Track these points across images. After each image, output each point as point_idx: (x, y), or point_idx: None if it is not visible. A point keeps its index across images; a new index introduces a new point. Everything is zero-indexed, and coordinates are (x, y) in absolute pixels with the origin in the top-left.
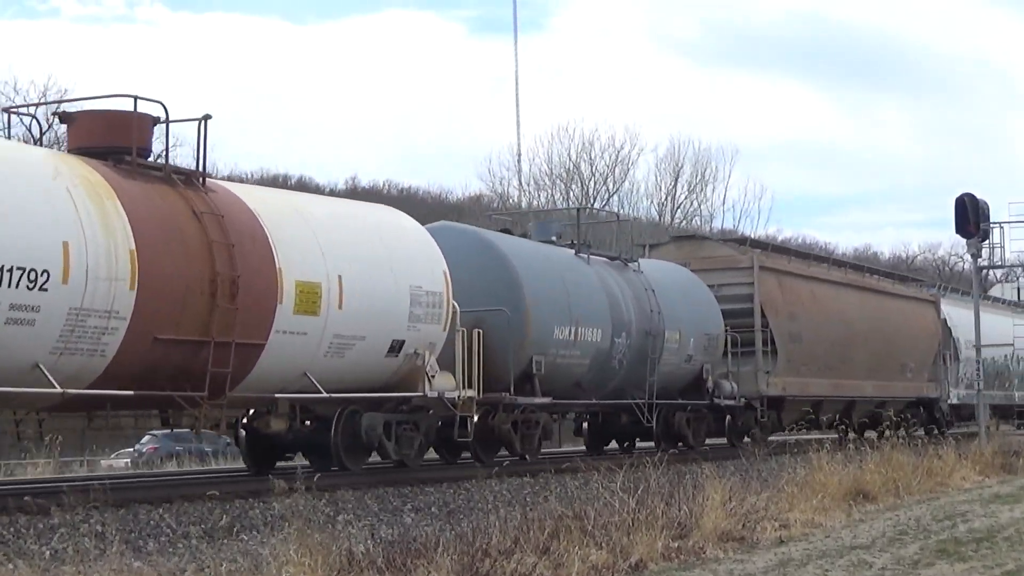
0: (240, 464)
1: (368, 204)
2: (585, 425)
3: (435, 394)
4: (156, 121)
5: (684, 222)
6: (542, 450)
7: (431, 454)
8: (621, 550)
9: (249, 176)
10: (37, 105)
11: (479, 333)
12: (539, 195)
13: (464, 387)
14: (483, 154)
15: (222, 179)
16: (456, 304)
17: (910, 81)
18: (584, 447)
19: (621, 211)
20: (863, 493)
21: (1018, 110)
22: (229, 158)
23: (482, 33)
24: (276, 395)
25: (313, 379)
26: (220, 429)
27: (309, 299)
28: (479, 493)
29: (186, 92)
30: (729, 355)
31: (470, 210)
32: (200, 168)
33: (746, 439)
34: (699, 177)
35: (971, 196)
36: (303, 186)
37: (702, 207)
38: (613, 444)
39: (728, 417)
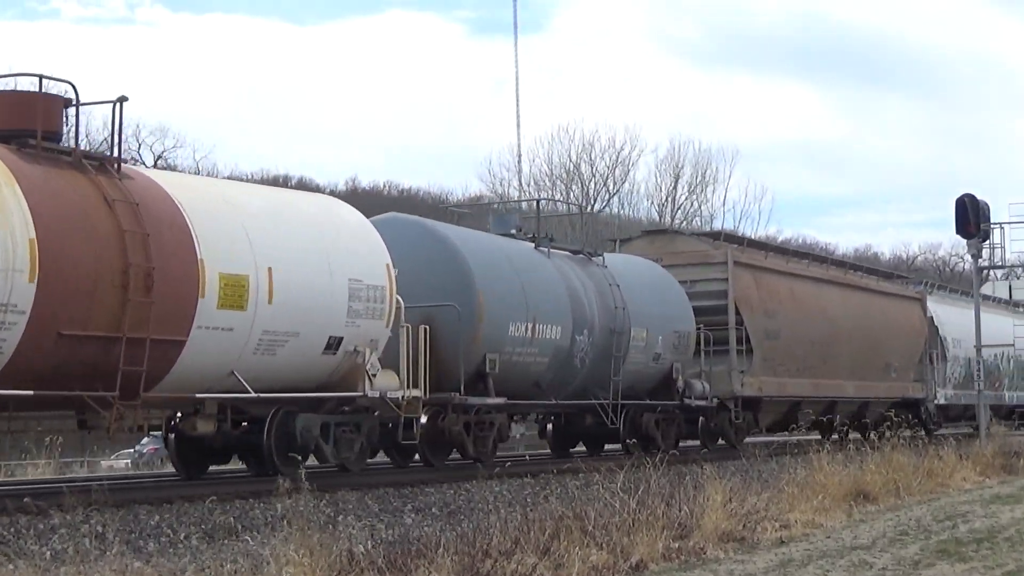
0: (240, 464)
1: (306, 194)
2: (550, 427)
3: (376, 394)
4: (67, 104)
5: (685, 223)
6: (497, 453)
7: (382, 457)
8: (622, 550)
9: (249, 177)
10: None
11: (426, 329)
12: (539, 196)
13: (409, 387)
14: (483, 155)
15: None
16: (400, 299)
17: (910, 81)
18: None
19: (621, 212)
20: (863, 494)
21: (1019, 110)
22: (229, 159)
23: (482, 34)
24: (199, 395)
25: (241, 378)
26: (143, 432)
27: (235, 292)
28: (479, 494)
29: (186, 93)
30: (702, 354)
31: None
32: (115, 153)
33: (720, 441)
34: (699, 178)
35: (971, 197)
36: (303, 187)
37: (702, 208)
38: (582, 447)
39: (701, 419)
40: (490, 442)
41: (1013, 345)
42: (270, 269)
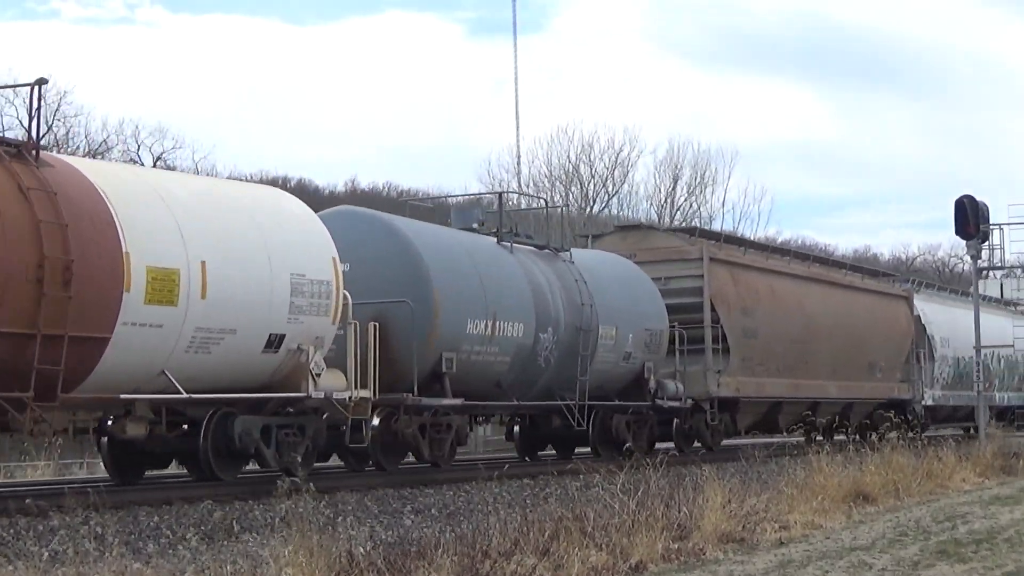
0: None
1: (247, 184)
2: (517, 429)
3: (321, 395)
4: None
5: (684, 224)
6: (456, 456)
7: (335, 461)
8: (621, 551)
9: (249, 178)
10: None
11: (375, 327)
12: (539, 197)
13: (357, 387)
14: (483, 155)
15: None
16: (348, 294)
17: (910, 82)
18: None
19: (620, 214)
20: (863, 495)
21: (1019, 110)
22: (229, 159)
23: (482, 34)
24: (124, 396)
25: (172, 378)
26: (68, 435)
27: (164, 287)
28: (479, 495)
29: (186, 94)
30: (676, 353)
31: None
32: (33, 139)
33: (696, 443)
34: (698, 179)
35: (971, 198)
36: (303, 188)
37: (701, 209)
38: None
39: (676, 420)
40: (447, 445)
41: (1013, 346)
42: (204, 263)
